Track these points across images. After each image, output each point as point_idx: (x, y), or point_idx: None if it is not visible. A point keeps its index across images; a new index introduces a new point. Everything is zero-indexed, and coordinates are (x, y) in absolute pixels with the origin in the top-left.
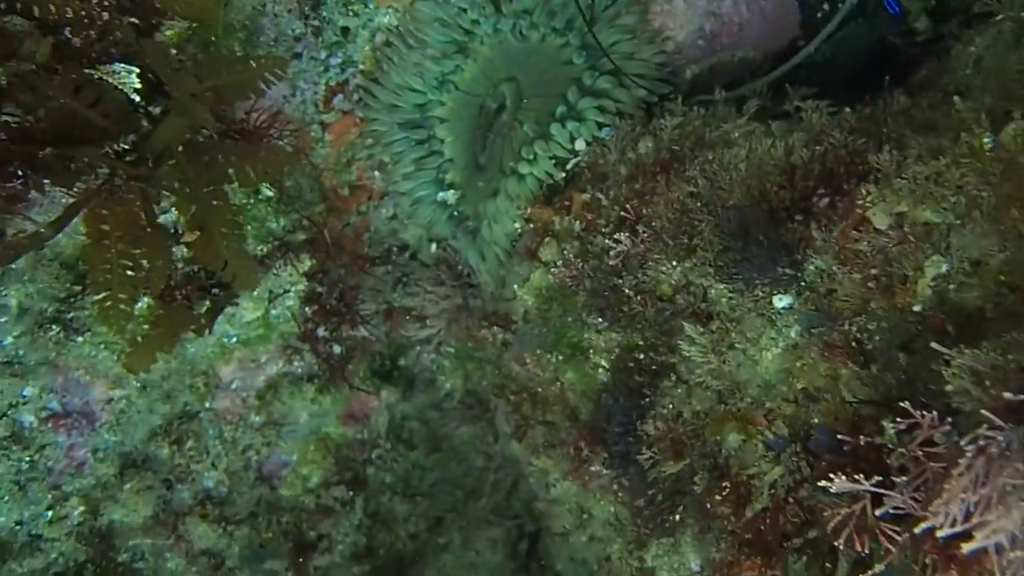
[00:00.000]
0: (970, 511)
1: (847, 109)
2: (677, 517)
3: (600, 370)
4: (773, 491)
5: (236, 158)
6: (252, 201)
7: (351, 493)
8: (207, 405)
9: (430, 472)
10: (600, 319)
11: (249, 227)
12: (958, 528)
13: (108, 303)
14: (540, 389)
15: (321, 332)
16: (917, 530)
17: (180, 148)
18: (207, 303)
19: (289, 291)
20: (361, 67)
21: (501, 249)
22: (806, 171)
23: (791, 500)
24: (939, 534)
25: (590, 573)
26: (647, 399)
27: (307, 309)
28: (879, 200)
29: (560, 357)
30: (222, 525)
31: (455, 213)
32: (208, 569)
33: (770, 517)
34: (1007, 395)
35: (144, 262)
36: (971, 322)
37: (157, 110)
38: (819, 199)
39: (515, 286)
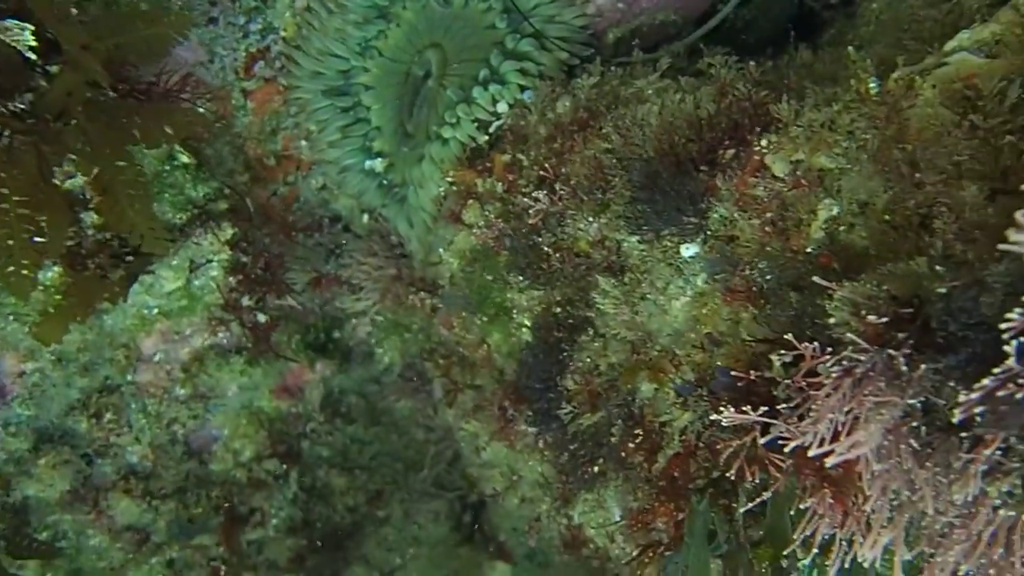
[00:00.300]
0: (838, 430)
1: (752, 63)
2: (596, 469)
3: (523, 329)
4: (684, 437)
5: (141, 118)
6: (168, 168)
7: (285, 467)
8: (128, 378)
9: (369, 445)
10: (521, 278)
11: (166, 195)
12: (826, 448)
13: (10, 270)
14: (467, 352)
15: (246, 302)
16: (787, 449)
17: (80, 107)
18: (120, 271)
19: (211, 261)
20: (283, 34)
21: (428, 214)
22: (712, 124)
23: (701, 445)
24: (809, 453)
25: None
26: (566, 354)
27: (231, 279)
28: (778, 148)
29: (485, 318)
30: (147, 500)
31: (384, 182)
32: (133, 545)
33: (681, 462)
34: (871, 318)
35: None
36: (857, 260)
37: (55, 68)
38: (725, 151)
39: (441, 250)
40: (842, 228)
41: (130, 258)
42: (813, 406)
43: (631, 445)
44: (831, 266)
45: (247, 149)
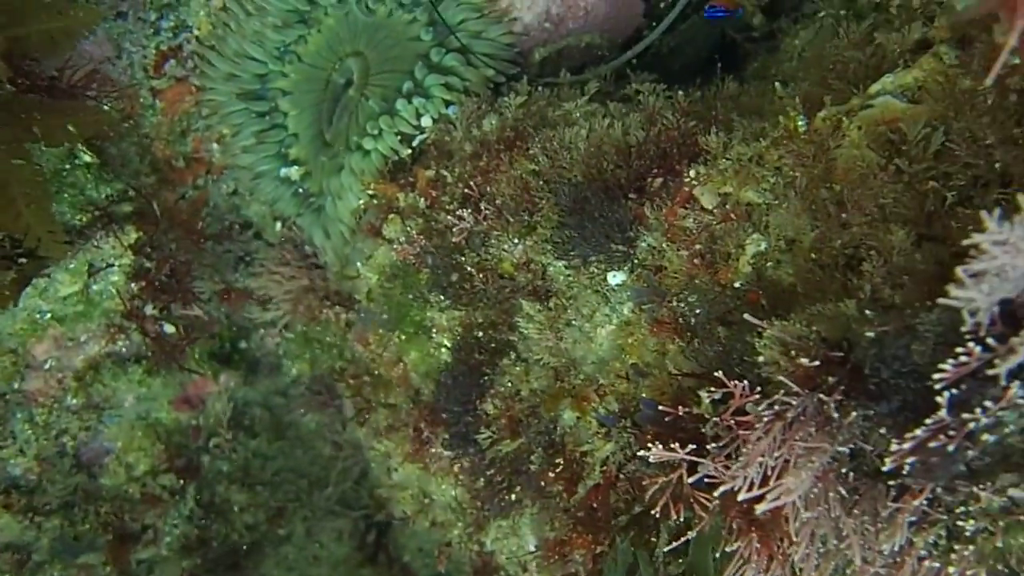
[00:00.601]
0: (767, 474)
1: (680, 92)
2: (513, 496)
3: (443, 349)
4: (605, 468)
5: (41, 115)
6: (68, 167)
7: (182, 482)
8: (15, 386)
9: (272, 460)
10: (442, 297)
11: (66, 195)
12: (756, 492)
13: None
14: (383, 370)
15: (149, 310)
16: (716, 493)
17: None
18: (11, 273)
19: (113, 265)
20: (196, 32)
21: (345, 226)
22: (641, 151)
23: (622, 476)
24: (739, 497)
25: (436, 563)
26: (487, 378)
27: (133, 285)
28: (707, 180)
29: (403, 337)
30: (29, 516)
31: (300, 190)
32: (11, 565)
33: (601, 494)
34: (804, 361)
35: None
36: (784, 297)
37: None
38: (653, 179)
39: (358, 264)
40: (769, 264)
41: (23, 260)
42: (743, 448)
43: (551, 474)
44: (759, 302)
45: (155, 150)
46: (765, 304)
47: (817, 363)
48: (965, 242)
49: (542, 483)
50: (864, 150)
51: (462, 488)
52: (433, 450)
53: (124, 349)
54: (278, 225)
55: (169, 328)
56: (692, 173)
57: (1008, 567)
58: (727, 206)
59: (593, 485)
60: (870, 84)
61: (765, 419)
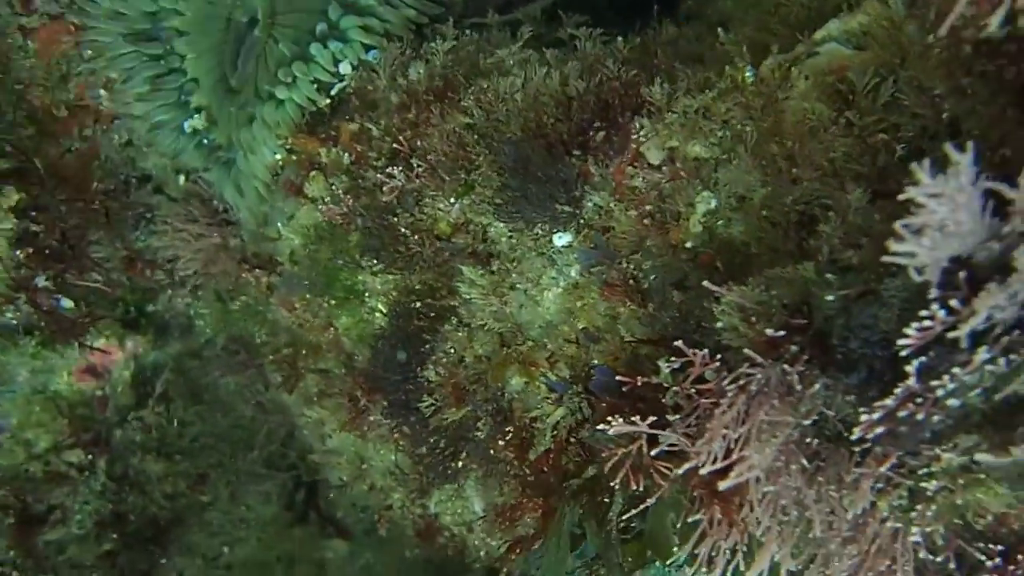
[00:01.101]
0: (731, 448)
1: (619, 39)
2: (460, 464)
3: (377, 314)
4: (555, 433)
5: None
6: None
7: (90, 456)
8: None
9: (190, 426)
10: (375, 260)
11: None
12: (719, 465)
13: None
14: (311, 336)
15: (41, 282)
16: (680, 470)
17: None
18: None
19: None
20: None
21: (261, 183)
22: (582, 103)
23: (572, 440)
24: (701, 471)
25: (373, 521)
26: (428, 344)
27: (19, 252)
28: (652, 135)
29: (333, 302)
30: None
31: (205, 141)
32: None
33: (552, 458)
34: (768, 331)
35: None
36: (738, 258)
37: None
38: (595, 133)
39: (279, 224)
40: (720, 223)
41: None
42: (707, 424)
43: (501, 442)
44: (714, 264)
45: (31, 98)
46: (720, 266)
47: (781, 333)
48: (900, 197)
49: (490, 450)
50: (813, 102)
51: (403, 454)
52: (371, 418)
53: (14, 320)
54: (181, 178)
55: (67, 303)
56: (637, 126)
57: (964, 521)
58: (676, 163)
59: (544, 450)
60: (815, 30)
61: (730, 393)
